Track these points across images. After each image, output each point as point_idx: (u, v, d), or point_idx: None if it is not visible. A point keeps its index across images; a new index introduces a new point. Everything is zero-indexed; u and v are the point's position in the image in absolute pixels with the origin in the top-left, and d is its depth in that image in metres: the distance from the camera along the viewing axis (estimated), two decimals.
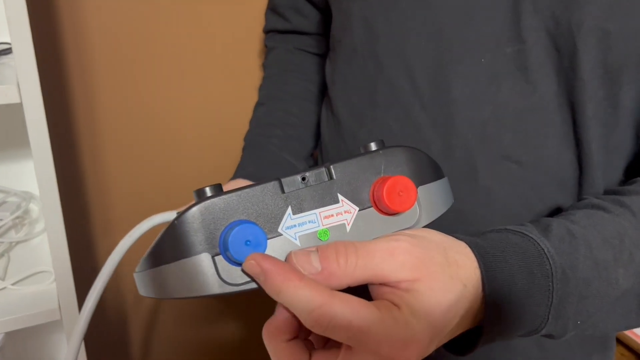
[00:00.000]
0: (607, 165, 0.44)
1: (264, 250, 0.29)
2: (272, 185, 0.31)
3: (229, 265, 0.29)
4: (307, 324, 0.28)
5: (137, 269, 0.32)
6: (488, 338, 0.34)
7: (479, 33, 0.43)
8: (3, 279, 0.67)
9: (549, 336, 0.37)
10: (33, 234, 0.77)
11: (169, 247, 0.29)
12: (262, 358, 1.16)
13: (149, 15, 0.84)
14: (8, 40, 0.72)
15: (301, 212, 0.31)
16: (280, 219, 0.31)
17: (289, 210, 0.31)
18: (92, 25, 0.80)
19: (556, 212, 0.46)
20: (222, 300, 1.09)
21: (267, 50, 0.74)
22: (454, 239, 0.34)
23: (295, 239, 0.31)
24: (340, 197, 0.32)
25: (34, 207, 0.82)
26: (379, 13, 0.48)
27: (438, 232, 0.34)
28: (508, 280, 0.33)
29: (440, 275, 0.31)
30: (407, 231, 0.33)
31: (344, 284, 0.30)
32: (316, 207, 0.32)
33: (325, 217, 0.32)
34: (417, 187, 0.33)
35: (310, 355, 0.31)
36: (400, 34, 0.47)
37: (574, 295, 0.35)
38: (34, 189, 0.83)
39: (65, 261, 0.64)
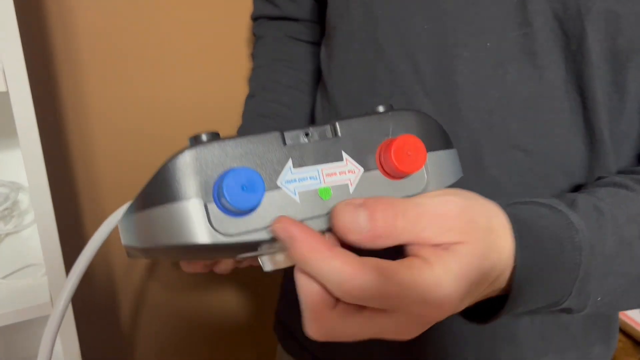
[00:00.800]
0: (617, 153, 0.44)
1: (261, 198, 0.27)
2: (273, 136, 0.29)
3: (222, 214, 0.27)
4: (336, 294, 0.28)
5: (125, 211, 0.30)
6: (512, 307, 0.34)
7: (484, 16, 0.42)
8: None
9: (566, 310, 0.37)
10: (22, 226, 0.75)
11: (158, 189, 0.27)
12: (252, 326, 1.16)
13: (137, 4, 0.82)
14: None
15: (302, 166, 0.29)
16: (280, 172, 0.29)
17: (290, 162, 0.29)
18: (80, 12, 0.78)
19: None
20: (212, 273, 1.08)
21: (256, 39, 0.72)
22: (495, 204, 0.33)
23: (295, 194, 0.29)
24: (344, 155, 0.31)
25: (23, 198, 0.80)
26: None
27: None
28: (539, 251, 0.33)
29: (482, 242, 0.30)
30: (458, 190, 0.32)
31: (385, 246, 0.29)
32: (318, 163, 0.30)
33: (328, 175, 0.30)
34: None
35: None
36: (401, 17, 0.45)
37: (599, 270, 0.35)
38: (22, 179, 0.81)
39: (57, 255, 0.62)
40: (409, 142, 0.30)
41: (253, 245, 0.29)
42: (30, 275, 0.66)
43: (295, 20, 0.68)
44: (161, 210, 0.27)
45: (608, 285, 0.36)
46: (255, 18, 0.72)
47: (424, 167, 0.32)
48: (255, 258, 0.33)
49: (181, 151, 0.27)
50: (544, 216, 0.35)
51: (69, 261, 0.66)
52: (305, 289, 0.29)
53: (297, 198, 0.29)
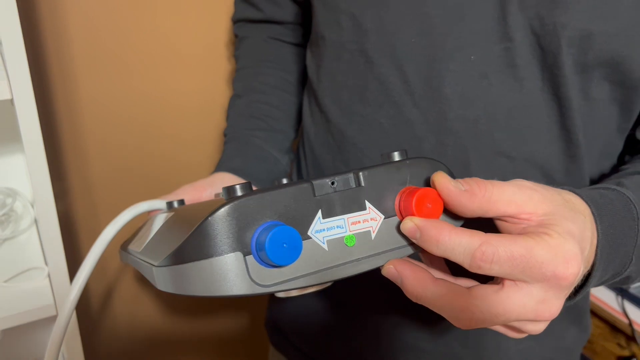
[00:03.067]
0: (589, 156, 0.47)
1: (300, 254, 0.29)
2: (304, 188, 0.31)
3: (260, 265, 0.29)
4: (470, 264, 0.31)
5: (158, 263, 0.32)
6: (595, 277, 0.37)
7: (468, 31, 0.45)
8: None
9: (624, 280, 0.41)
10: (19, 231, 0.76)
11: (200, 244, 0.29)
12: (245, 327, 1.17)
13: (130, 2, 0.83)
14: None
15: (330, 216, 0.31)
16: (310, 222, 0.31)
17: (319, 214, 0.31)
18: (72, 17, 0.79)
19: None
20: None
21: (238, 40, 0.73)
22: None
23: (324, 243, 0.31)
24: (367, 204, 0.33)
25: (18, 204, 0.81)
26: (367, 9, 0.48)
27: None
28: (612, 221, 0.37)
29: (564, 208, 0.34)
30: (519, 181, 0.35)
31: (483, 210, 0.33)
32: (344, 213, 0.32)
33: (353, 223, 0.32)
34: None
35: (468, 290, 0.33)
36: (391, 30, 0.48)
37: None
38: (17, 186, 0.82)
39: (60, 257, 0.64)
40: (430, 195, 0.33)
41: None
42: (32, 278, 0.67)
43: (278, 23, 0.69)
44: (204, 264, 0.28)
45: None
46: (236, 20, 0.72)
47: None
48: None
49: (220, 207, 0.28)
50: (604, 195, 0.39)
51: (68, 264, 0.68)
52: (434, 294, 0.32)
53: (325, 246, 0.31)
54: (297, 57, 0.70)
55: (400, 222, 0.34)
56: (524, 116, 0.46)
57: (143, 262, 0.37)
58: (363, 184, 0.33)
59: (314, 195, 0.31)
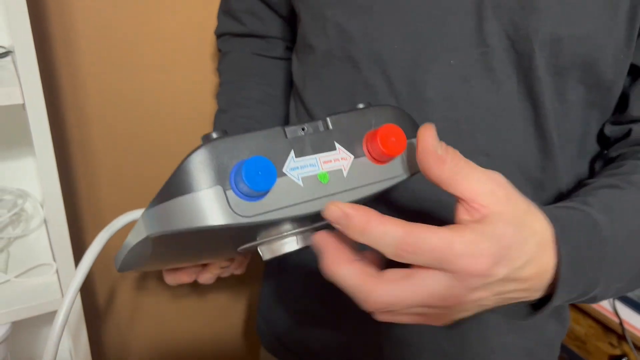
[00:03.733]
0: (563, 154, 0.50)
1: (274, 183, 0.31)
2: (276, 131, 0.33)
3: (239, 199, 0.31)
4: (392, 254, 0.32)
5: (147, 207, 0.34)
6: (559, 297, 0.37)
7: (449, 36, 0.47)
8: (5, 272, 0.70)
9: (591, 299, 0.41)
10: (30, 230, 0.80)
11: (182, 181, 0.31)
12: (238, 330, 1.20)
13: (137, 4, 0.86)
14: (3, 43, 0.74)
15: (302, 155, 0.34)
16: (285, 161, 0.33)
17: (292, 152, 0.34)
18: (79, 21, 0.83)
19: None
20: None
21: (222, 54, 0.74)
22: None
23: (298, 180, 0.34)
24: (337, 145, 0.36)
25: (28, 205, 0.84)
26: (352, 17, 0.51)
27: None
28: (575, 243, 0.37)
29: (519, 217, 0.34)
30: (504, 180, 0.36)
31: (442, 181, 0.34)
32: (316, 153, 0.35)
33: (325, 162, 0.35)
34: None
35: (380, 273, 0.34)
36: (375, 37, 0.50)
37: (618, 259, 0.40)
38: (28, 187, 0.85)
39: (68, 255, 0.67)
40: (393, 130, 0.36)
41: (262, 228, 0.34)
42: (41, 274, 0.71)
43: (261, 37, 0.71)
44: (187, 198, 0.31)
45: (623, 271, 0.41)
46: (219, 34, 0.74)
47: (404, 151, 0.38)
48: (245, 258, 0.37)
49: (198, 147, 0.31)
50: (569, 214, 0.39)
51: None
52: (346, 274, 0.33)
53: (300, 182, 0.34)
54: (279, 70, 0.72)
55: (370, 162, 0.36)
56: (502, 116, 0.48)
57: (130, 236, 0.39)
58: (331, 127, 0.36)
59: (286, 137, 0.34)
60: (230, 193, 0.31)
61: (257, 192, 0.31)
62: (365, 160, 0.37)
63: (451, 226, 0.33)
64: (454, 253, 0.32)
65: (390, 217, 0.32)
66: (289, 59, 0.71)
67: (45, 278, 0.70)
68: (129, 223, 0.50)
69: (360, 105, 0.38)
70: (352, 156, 0.36)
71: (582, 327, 1.02)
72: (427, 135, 0.34)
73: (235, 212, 0.31)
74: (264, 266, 0.76)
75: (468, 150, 0.49)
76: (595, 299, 0.41)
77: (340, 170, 0.35)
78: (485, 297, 0.35)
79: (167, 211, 0.32)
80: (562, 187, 0.52)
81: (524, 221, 0.35)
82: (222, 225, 0.31)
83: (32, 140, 0.65)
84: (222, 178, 0.31)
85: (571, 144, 0.50)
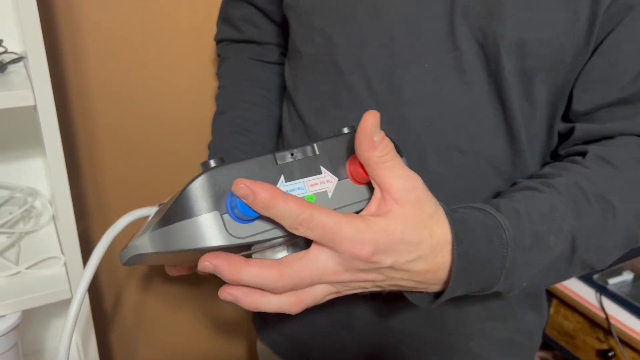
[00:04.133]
0: (531, 150, 0.54)
1: None
2: (267, 158, 0.37)
3: (234, 222, 0.36)
4: (290, 226, 0.36)
5: (150, 230, 0.38)
6: (451, 292, 0.42)
7: (423, 42, 0.51)
8: (17, 264, 0.74)
9: (496, 293, 0.46)
10: (39, 226, 0.84)
11: (183, 207, 0.35)
12: (239, 321, 1.24)
13: (142, 10, 0.91)
14: (15, 50, 0.79)
15: (291, 180, 0.38)
16: (275, 185, 0.37)
17: (282, 178, 0.38)
18: (85, 23, 0.88)
19: (495, 194, 0.55)
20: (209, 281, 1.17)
21: (220, 60, 0.78)
22: (442, 206, 0.42)
23: None
24: (322, 169, 0.39)
25: (38, 202, 0.89)
26: (337, 25, 0.55)
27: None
28: (473, 245, 0.41)
29: (421, 220, 0.39)
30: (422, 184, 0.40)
31: (368, 164, 0.38)
32: (303, 177, 0.38)
33: (311, 185, 0.39)
34: None
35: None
36: (357, 43, 0.54)
37: (520, 260, 0.43)
38: (37, 186, 0.90)
39: (76, 248, 0.71)
40: None
41: (253, 245, 0.38)
42: (50, 266, 0.75)
43: (258, 43, 0.75)
44: (189, 223, 0.35)
45: (528, 272, 0.45)
46: (218, 40, 0.78)
47: None
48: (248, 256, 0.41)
49: (197, 176, 0.35)
50: (477, 217, 0.43)
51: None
52: (249, 272, 0.37)
53: None
54: (274, 75, 0.76)
55: (352, 184, 0.41)
56: (473, 115, 0.52)
57: (137, 244, 0.43)
58: (318, 153, 0.39)
59: (276, 164, 0.37)
60: (226, 217, 0.35)
61: (250, 217, 0.35)
62: (348, 182, 0.40)
63: (348, 214, 0.38)
64: (341, 235, 0.36)
65: (293, 196, 0.36)
66: (283, 64, 0.75)
67: (54, 270, 0.75)
68: (134, 221, 0.54)
69: (345, 130, 0.42)
70: (337, 178, 0.40)
71: (571, 322, 1.06)
72: (369, 120, 0.38)
73: (231, 234, 0.35)
74: None
75: (442, 146, 0.54)
76: (503, 293, 0.46)
77: (326, 192, 0.39)
78: (379, 280, 0.40)
79: (171, 233, 0.36)
80: None
81: (425, 224, 0.39)
82: (220, 246, 0.35)
83: (42, 141, 0.69)
84: (219, 203, 0.35)
85: (538, 140, 0.54)
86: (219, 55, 0.79)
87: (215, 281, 1.17)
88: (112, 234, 0.52)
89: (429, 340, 0.61)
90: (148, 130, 0.98)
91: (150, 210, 0.55)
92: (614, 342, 0.97)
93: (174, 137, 1.01)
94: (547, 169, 0.52)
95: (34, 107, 0.65)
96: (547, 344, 1.31)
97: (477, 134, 0.52)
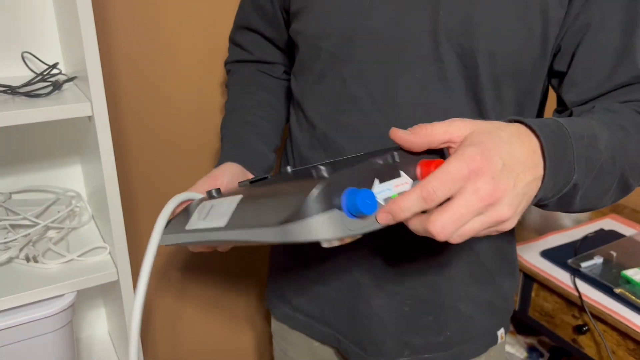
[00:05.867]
0: None
1: (376, 206, 0.44)
2: (366, 164, 0.46)
3: (349, 218, 0.43)
4: (425, 206, 0.43)
5: (278, 222, 0.43)
6: (549, 181, 0.48)
7: (413, 56, 0.64)
8: (69, 253, 0.86)
9: (572, 191, 0.51)
10: (82, 223, 0.96)
11: (314, 205, 0.41)
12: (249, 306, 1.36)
13: (168, 20, 1.04)
14: (66, 72, 0.92)
15: (382, 182, 0.46)
16: (372, 187, 0.46)
17: (376, 181, 0.46)
18: (116, 46, 1.01)
19: None
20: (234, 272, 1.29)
21: (230, 74, 0.90)
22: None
23: (382, 200, 0.46)
24: (402, 173, 0.48)
25: (80, 203, 1.01)
26: (341, 46, 0.67)
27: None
28: (552, 136, 0.48)
29: (485, 129, 0.46)
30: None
31: (427, 141, 0.47)
32: (390, 179, 0.47)
33: (395, 186, 0.47)
34: None
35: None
36: (359, 61, 0.66)
37: (582, 152, 0.50)
38: (78, 188, 1.03)
39: (122, 237, 0.83)
40: (433, 162, 0.49)
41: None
42: (97, 254, 0.87)
43: (266, 62, 0.88)
44: (318, 217, 0.41)
45: (588, 167, 0.51)
46: (231, 62, 0.90)
47: None
48: None
49: (317, 182, 0.42)
50: (543, 121, 0.49)
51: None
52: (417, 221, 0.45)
53: (382, 202, 0.46)
54: (280, 85, 0.88)
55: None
56: (455, 115, 0.63)
57: (226, 230, 0.50)
58: (398, 160, 0.48)
59: (372, 169, 0.46)
60: (342, 214, 0.43)
61: (365, 215, 0.43)
62: (418, 182, 0.49)
63: (442, 161, 0.46)
64: (454, 173, 0.42)
65: (408, 191, 0.44)
66: (286, 80, 0.88)
67: (100, 257, 0.87)
68: (181, 202, 0.64)
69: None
70: (412, 181, 0.49)
71: (550, 303, 1.18)
72: (397, 131, 0.49)
73: (348, 228, 0.43)
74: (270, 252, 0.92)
75: None
76: (576, 189, 0.51)
77: (405, 191, 0.46)
78: (514, 186, 0.44)
79: (299, 228, 0.42)
80: None
81: (493, 126, 0.47)
82: (339, 237, 0.42)
83: (91, 147, 0.82)
84: (336, 203, 0.42)
85: None
86: (229, 71, 0.91)
87: (226, 277, 1.29)
88: (165, 216, 0.63)
89: (425, 300, 0.74)
90: (173, 136, 1.11)
91: (192, 195, 0.66)
92: (587, 318, 1.09)
93: (195, 141, 1.14)
94: (567, 115, 0.63)
95: (89, 118, 0.78)
96: (532, 328, 1.43)
97: None
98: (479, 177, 0.43)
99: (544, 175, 0.48)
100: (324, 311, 0.81)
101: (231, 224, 0.51)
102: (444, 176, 0.43)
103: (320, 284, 0.80)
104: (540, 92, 0.67)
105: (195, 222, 0.57)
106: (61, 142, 1.00)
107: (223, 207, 0.54)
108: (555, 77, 0.67)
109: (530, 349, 1.43)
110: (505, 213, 0.44)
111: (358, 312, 0.77)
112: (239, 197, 0.53)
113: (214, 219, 0.54)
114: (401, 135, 0.48)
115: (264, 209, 0.47)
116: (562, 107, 0.66)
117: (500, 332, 0.79)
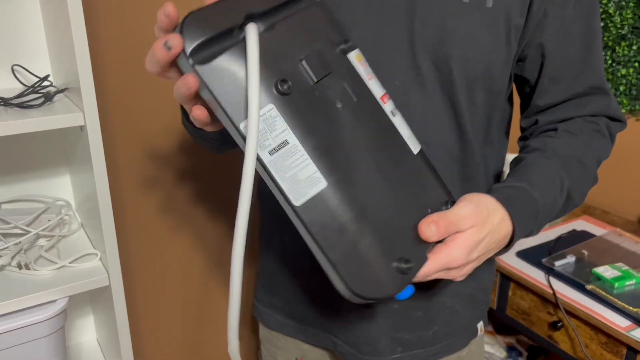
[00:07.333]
0: (477, 141, 0.72)
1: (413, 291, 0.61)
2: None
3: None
4: (446, 275, 0.60)
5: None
6: (517, 238, 0.63)
7: (392, 65, 0.68)
8: (60, 260, 0.88)
9: (528, 235, 0.66)
10: (71, 231, 0.99)
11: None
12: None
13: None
14: (56, 84, 0.94)
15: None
16: None
17: None
18: (106, 58, 1.04)
19: (452, 176, 0.73)
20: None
21: None
22: (491, 198, 0.62)
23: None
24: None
25: (69, 212, 1.03)
26: None
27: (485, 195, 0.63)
28: (521, 209, 0.62)
29: (482, 222, 0.59)
30: (469, 196, 0.62)
31: (450, 231, 0.57)
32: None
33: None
34: None
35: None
36: None
37: (544, 212, 0.65)
38: (67, 197, 1.05)
39: (114, 243, 0.86)
40: None
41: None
42: (87, 261, 0.90)
43: None
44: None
45: (546, 215, 0.66)
46: None
47: None
48: None
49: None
50: (516, 192, 0.64)
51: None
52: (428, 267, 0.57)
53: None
54: None
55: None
56: (432, 117, 0.69)
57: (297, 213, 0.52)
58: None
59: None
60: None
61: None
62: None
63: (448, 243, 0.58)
64: (455, 259, 0.58)
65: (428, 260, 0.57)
66: None
67: (91, 264, 0.89)
68: None
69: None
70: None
71: (526, 301, 1.23)
72: (425, 230, 0.57)
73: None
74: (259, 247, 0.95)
75: None
76: (531, 234, 0.67)
77: None
78: (478, 263, 0.61)
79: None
80: (477, 161, 0.73)
81: (488, 216, 0.60)
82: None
83: (72, 159, 0.85)
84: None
85: (479, 132, 0.72)
86: None
87: (214, 284, 1.30)
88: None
89: (414, 296, 0.77)
90: (160, 145, 1.14)
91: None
92: (561, 314, 1.14)
93: (184, 152, 1.17)
94: (536, 144, 0.72)
95: (81, 127, 0.81)
96: (511, 328, 1.48)
97: (436, 130, 0.70)
98: (462, 268, 0.59)
99: (507, 244, 0.63)
100: (319, 316, 0.84)
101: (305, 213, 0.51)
102: (447, 255, 0.58)
103: (312, 289, 0.83)
104: (507, 94, 0.72)
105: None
106: (50, 152, 1.02)
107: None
108: (523, 83, 0.72)
109: (510, 349, 1.48)
110: (460, 278, 0.61)
111: (352, 314, 0.80)
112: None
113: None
114: (427, 234, 0.57)
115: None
116: (526, 117, 0.75)
117: (480, 324, 0.83)
